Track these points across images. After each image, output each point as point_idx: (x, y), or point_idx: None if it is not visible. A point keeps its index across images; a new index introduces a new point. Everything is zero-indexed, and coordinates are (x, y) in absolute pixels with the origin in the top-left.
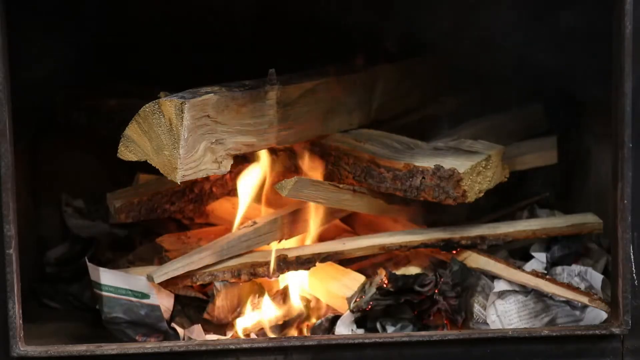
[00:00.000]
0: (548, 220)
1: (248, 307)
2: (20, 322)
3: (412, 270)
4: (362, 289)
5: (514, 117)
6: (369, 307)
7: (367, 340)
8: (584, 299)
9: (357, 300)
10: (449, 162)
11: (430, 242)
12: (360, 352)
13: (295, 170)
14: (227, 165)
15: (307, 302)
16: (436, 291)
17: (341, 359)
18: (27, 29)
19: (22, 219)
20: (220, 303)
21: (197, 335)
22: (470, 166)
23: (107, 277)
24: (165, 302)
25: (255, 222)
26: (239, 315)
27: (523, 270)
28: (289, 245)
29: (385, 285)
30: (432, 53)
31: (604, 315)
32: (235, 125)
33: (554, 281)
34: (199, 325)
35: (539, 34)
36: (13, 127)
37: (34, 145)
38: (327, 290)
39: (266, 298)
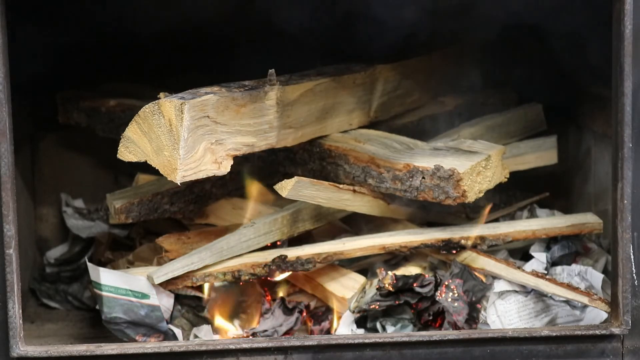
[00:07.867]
0: (548, 220)
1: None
2: (20, 322)
3: (412, 270)
4: (362, 290)
5: (514, 117)
6: (376, 306)
7: (367, 340)
8: (584, 299)
9: (358, 301)
10: (448, 162)
11: (430, 242)
12: (360, 352)
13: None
14: (227, 165)
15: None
16: (440, 296)
17: (341, 359)
18: (27, 29)
19: (22, 219)
20: (220, 303)
21: (205, 335)
22: (470, 166)
23: (107, 277)
24: (165, 302)
25: (255, 222)
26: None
27: (523, 270)
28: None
29: (385, 286)
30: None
31: (604, 315)
32: (235, 126)
33: (554, 281)
34: (209, 325)
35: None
36: (13, 127)
37: (34, 145)
38: (327, 290)
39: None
